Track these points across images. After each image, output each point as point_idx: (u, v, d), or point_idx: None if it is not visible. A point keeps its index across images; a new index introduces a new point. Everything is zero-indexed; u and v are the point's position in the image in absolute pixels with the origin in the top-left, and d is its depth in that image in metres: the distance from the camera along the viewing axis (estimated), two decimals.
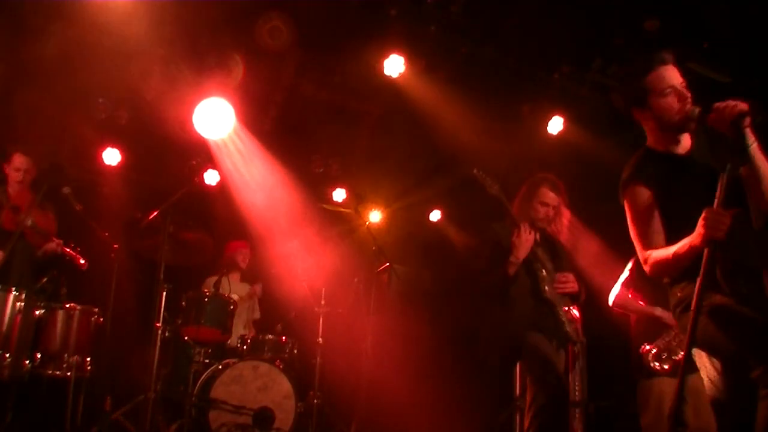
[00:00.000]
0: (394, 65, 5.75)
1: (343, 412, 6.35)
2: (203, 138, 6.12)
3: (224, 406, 5.26)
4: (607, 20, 5.35)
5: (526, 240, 4.08)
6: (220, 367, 5.54)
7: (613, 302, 4.88)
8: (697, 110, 2.63)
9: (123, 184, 6.91)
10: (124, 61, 5.63)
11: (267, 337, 6.05)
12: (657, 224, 2.73)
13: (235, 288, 6.41)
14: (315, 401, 6.13)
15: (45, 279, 5.27)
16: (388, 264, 7.04)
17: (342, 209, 8.11)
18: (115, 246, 5.60)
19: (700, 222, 2.44)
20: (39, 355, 4.91)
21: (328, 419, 6.20)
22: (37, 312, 4.97)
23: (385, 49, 5.72)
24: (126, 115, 6.49)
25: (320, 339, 6.47)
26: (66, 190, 5.30)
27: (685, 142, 2.83)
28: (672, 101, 2.70)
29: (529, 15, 5.36)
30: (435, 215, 8.51)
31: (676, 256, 2.59)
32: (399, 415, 6.76)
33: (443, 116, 6.12)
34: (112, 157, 6.76)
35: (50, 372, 4.94)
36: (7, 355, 4.66)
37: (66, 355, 4.99)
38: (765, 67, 5.59)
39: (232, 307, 5.89)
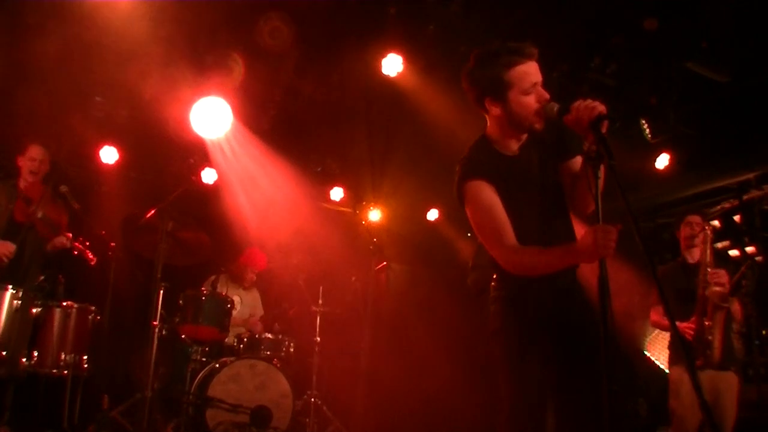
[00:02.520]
0: (393, 64, 5.75)
1: (341, 410, 6.36)
2: (201, 137, 6.11)
3: (221, 404, 5.26)
4: (606, 19, 5.35)
5: None
6: (218, 365, 5.54)
7: (651, 322, 5.03)
8: (555, 107, 2.52)
9: (121, 183, 6.91)
10: (123, 60, 5.62)
11: (264, 336, 6.06)
12: (505, 216, 2.60)
13: (234, 290, 6.43)
14: (312, 400, 6.14)
15: (42, 277, 5.27)
16: (385, 263, 7.05)
17: (340, 208, 8.12)
18: (113, 244, 5.60)
19: (589, 239, 2.33)
20: (36, 354, 4.91)
21: (325, 418, 6.21)
22: (34, 310, 4.97)
23: (384, 48, 5.72)
24: (124, 113, 6.49)
25: (317, 338, 6.48)
26: (63, 188, 5.29)
27: (523, 139, 2.73)
28: (532, 100, 2.58)
29: (528, 14, 5.36)
30: (432, 214, 8.51)
31: (549, 265, 2.53)
32: (397, 413, 6.77)
33: (442, 115, 6.11)
34: (109, 155, 6.75)
35: (47, 370, 4.94)
36: (4, 353, 4.67)
37: (63, 354, 5.00)
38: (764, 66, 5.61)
39: (229, 306, 5.90)
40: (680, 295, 4.74)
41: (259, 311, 6.85)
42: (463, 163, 2.71)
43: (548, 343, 2.60)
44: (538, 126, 2.61)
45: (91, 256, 5.36)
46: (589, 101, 2.44)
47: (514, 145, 2.72)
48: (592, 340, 2.30)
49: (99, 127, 6.54)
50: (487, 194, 2.62)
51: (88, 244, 5.39)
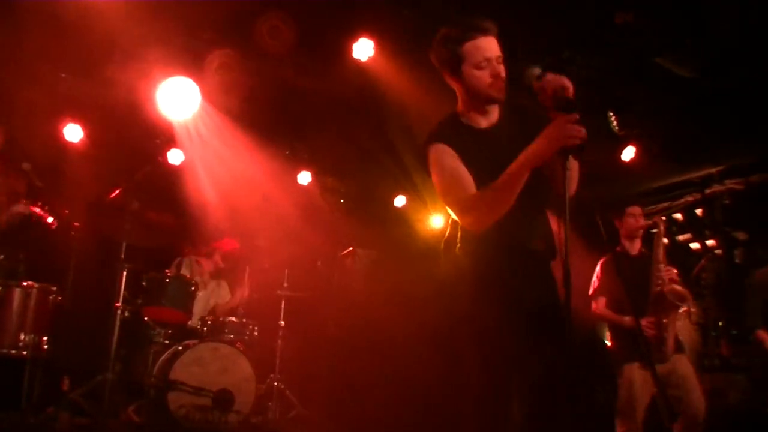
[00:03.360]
0: (364, 49, 5.71)
1: (304, 395, 6.36)
2: (168, 117, 6.03)
3: (184, 387, 5.23)
4: (578, 12, 5.38)
5: None
6: (180, 348, 5.50)
7: (594, 313, 5.03)
8: (537, 72, 2.50)
9: (85, 162, 6.79)
10: (88, 36, 5.51)
11: (228, 319, 6.03)
12: (470, 177, 2.59)
13: (199, 271, 6.38)
14: (275, 384, 6.14)
15: (2, 256, 5.17)
16: (351, 248, 7.05)
17: (309, 192, 8.09)
18: (76, 224, 5.52)
19: (547, 131, 2.36)
20: None
21: (288, 402, 6.21)
22: None
23: (356, 32, 5.68)
24: (89, 91, 6.37)
25: (282, 322, 6.47)
26: (26, 166, 5.20)
27: (493, 114, 2.74)
28: (485, 75, 2.58)
29: (502, 3, 5.37)
30: (400, 200, 8.52)
31: (511, 179, 2.45)
32: (362, 398, 6.80)
33: (413, 101, 6.11)
34: (73, 133, 6.62)
35: (5, 351, 4.88)
36: None
37: (22, 334, 4.94)
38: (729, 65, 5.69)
39: (193, 289, 5.86)
40: (627, 287, 4.79)
41: (226, 296, 6.76)
42: (430, 132, 2.73)
43: (517, 329, 2.58)
44: (495, 98, 2.62)
45: (50, 220, 5.24)
46: (561, 77, 2.45)
47: (482, 121, 2.73)
48: (559, 327, 2.32)
49: (63, 104, 6.41)
50: (450, 156, 2.62)
51: (47, 208, 5.27)
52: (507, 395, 2.58)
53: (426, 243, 8.12)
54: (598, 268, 4.99)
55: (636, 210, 5.00)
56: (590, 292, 4.99)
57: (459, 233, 2.75)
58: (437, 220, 8.28)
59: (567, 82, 2.43)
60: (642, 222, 4.93)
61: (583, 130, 2.33)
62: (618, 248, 5.02)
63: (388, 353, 7.02)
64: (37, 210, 5.21)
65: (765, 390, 4.78)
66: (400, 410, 6.59)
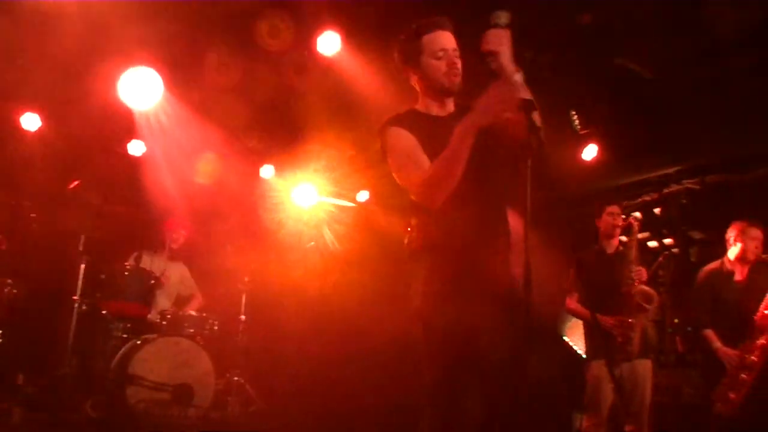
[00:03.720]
0: (330, 42, 5.69)
1: (264, 390, 6.34)
2: (129, 107, 5.94)
3: (142, 382, 5.18)
4: (542, 12, 5.42)
5: None
6: (139, 342, 5.44)
7: (567, 309, 5.12)
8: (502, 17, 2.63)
9: (43, 152, 6.65)
10: (47, 24, 5.40)
11: (188, 313, 5.97)
12: (423, 155, 2.65)
13: (160, 265, 6.30)
14: (235, 378, 6.11)
15: None
16: (314, 243, 7.04)
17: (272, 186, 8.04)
18: (33, 215, 5.42)
19: (482, 97, 2.46)
20: None
21: (248, 397, 6.18)
22: None
23: (321, 25, 5.66)
24: (48, 79, 6.23)
25: (243, 316, 6.44)
26: None
27: (449, 106, 2.86)
28: (441, 65, 2.75)
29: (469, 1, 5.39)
30: (362, 196, 8.52)
31: (457, 147, 2.48)
32: (322, 393, 6.79)
33: (378, 97, 6.10)
34: (31, 122, 6.48)
35: None
36: None
37: None
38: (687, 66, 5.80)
39: (153, 282, 5.79)
40: (599, 285, 4.89)
41: (189, 287, 6.68)
42: (385, 120, 2.82)
43: (469, 324, 2.60)
44: (450, 86, 2.76)
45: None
46: (497, 41, 2.55)
47: (438, 111, 2.84)
48: (513, 320, 2.41)
49: (21, 92, 6.27)
50: (406, 137, 2.70)
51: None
52: (459, 390, 2.60)
53: (389, 238, 8.13)
54: (574, 264, 5.07)
55: (615, 209, 5.09)
56: (566, 287, 5.10)
57: (417, 228, 2.79)
58: (400, 216, 8.28)
59: (498, 48, 2.53)
60: (620, 221, 5.01)
61: (518, 92, 2.45)
62: (596, 246, 5.11)
63: (350, 348, 7.02)
64: None
65: (712, 386, 4.90)
66: (360, 404, 6.61)
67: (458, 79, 2.77)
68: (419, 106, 2.87)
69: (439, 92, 2.81)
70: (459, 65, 2.77)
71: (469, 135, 2.50)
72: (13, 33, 5.46)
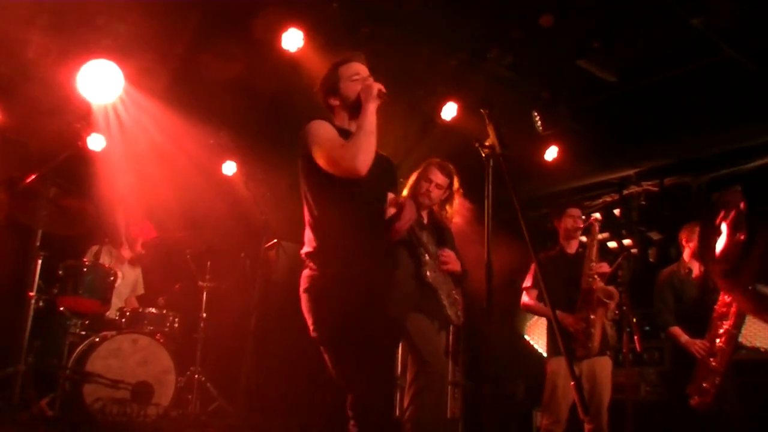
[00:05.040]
0: (293, 39, 5.66)
1: (225, 388, 6.29)
2: (89, 101, 5.84)
3: (100, 380, 5.10)
4: (505, 12, 5.47)
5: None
6: (98, 339, 5.36)
7: (522, 305, 5.20)
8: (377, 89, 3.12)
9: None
10: (6, 15, 5.29)
11: (148, 311, 5.90)
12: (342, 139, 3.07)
13: (119, 261, 6.22)
14: (196, 376, 6.05)
15: None
16: (276, 240, 7.00)
17: (232, 183, 7.97)
18: None
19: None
20: None
21: (209, 395, 6.13)
22: None
23: (285, 22, 5.63)
24: (4, 71, 6.11)
25: (204, 314, 6.38)
26: None
27: None
28: (356, 86, 3.20)
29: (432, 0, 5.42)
30: None
31: (366, 121, 2.99)
32: (282, 392, 6.76)
33: None
34: None
35: None
36: None
37: None
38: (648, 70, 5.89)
39: (112, 278, 5.71)
40: (560, 285, 4.97)
41: (140, 289, 6.64)
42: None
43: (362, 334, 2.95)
44: (363, 100, 3.11)
45: None
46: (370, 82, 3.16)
47: (351, 128, 3.17)
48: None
49: None
50: (330, 127, 3.13)
51: None
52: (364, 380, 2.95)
53: None
54: (534, 264, 5.13)
55: (576, 212, 5.18)
56: (523, 285, 5.15)
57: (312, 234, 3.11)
58: None
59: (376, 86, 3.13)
60: (580, 223, 5.09)
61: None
62: (557, 247, 5.19)
63: (310, 347, 6.99)
64: None
65: (673, 382, 5.01)
66: (320, 401, 6.60)
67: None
68: (336, 122, 3.25)
69: (355, 111, 3.16)
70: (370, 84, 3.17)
71: (372, 112, 3.03)
72: None
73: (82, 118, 6.27)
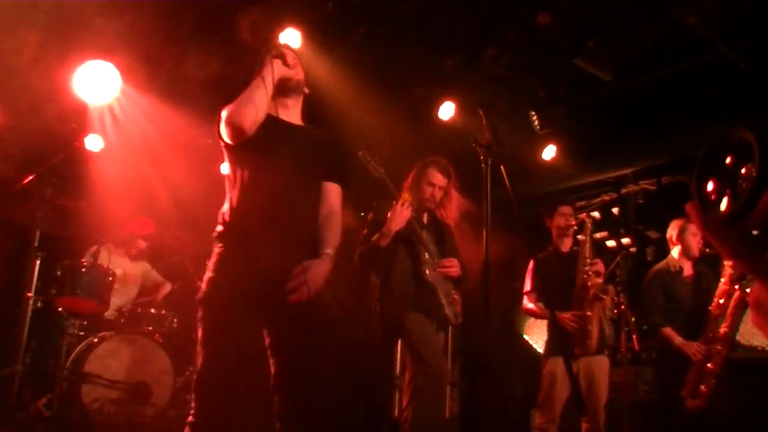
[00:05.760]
0: (290, 39, 5.66)
1: None
2: (86, 101, 5.84)
3: (98, 380, 5.10)
4: (501, 12, 5.48)
5: (400, 214, 4.11)
6: (96, 340, 5.36)
7: (524, 310, 5.21)
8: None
9: None
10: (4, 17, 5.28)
11: (146, 311, 5.90)
12: None
13: (118, 262, 6.20)
14: (195, 376, 6.04)
15: None
16: None
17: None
18: None
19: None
20: None
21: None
22: None
23: (281, 21, 5.63)
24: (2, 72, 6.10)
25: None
26: None
27: (295, 112, 3.11)
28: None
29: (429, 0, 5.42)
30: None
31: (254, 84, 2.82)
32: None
33: (335, 95, 6.09)
34: None
35: None
36: None
37: None
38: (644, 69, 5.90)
39: (110, 279, 5.70)
40: (556, 283, 4.97)
41: (156, 280, 6.62)
42: None
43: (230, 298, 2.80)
44: (293, 83, 3.00)
45: None
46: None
47: (283, 114, 3.00)
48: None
49: None
50: None
51: None
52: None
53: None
54: (530, 265, 5.12)
55: (567, 209, 5.17)
56: (524, 289, 5.14)
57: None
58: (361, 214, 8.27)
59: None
60: (572, 221, 5.09)
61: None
62: (550, 246, 5.18)
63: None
64: None
65: (667, 382, 5.00)
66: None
67: (297, 79, 3.02)
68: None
69: (283, 89, 2.98)
70: (298, 65, 3.03)
71: (266, 68, 2.84)
72: None
73: (78, 118, 6.26)
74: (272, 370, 2.84)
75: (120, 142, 6.50)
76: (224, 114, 2.85)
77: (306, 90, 3.15)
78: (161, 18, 5.49)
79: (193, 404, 2.78)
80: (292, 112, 3.08)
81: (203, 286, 2.86)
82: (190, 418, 2.70)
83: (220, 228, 2.87)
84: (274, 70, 2.83)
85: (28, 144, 6.50)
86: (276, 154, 2.84)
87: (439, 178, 4.36)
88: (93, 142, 6.54)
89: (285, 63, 2.90)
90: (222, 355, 2.79)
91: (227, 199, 2.89)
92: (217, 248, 2.87)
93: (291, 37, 5.64)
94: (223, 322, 2.81)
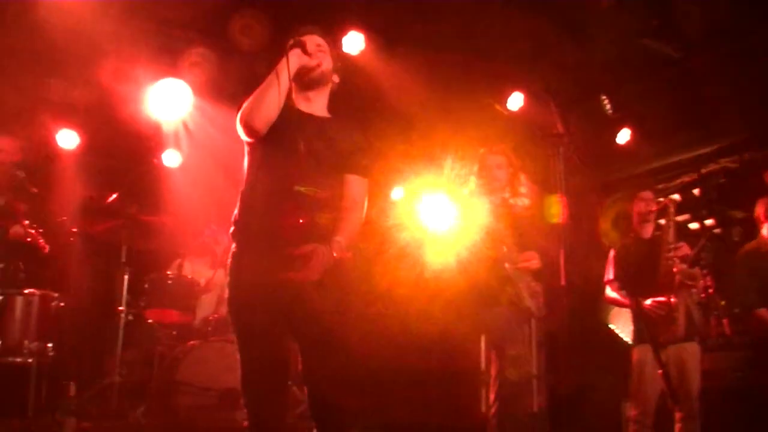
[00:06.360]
0: (354, 42, 5.70)
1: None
2: (160, 119, 6.03)
3: (190, 388, 5.23)
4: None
5: None
6: (185, 349, 5.51)
7: (606, 299, 5.06)
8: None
9: (80, 167, 6.77)
10: (78, 40, 5.49)
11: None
12: None
13: (203, 271, 6.36)
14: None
15: (2, 265, 5.17)
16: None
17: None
18: (74, 230, 5.52)
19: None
20: None
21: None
22: None
23: (346, 24, 5.67)
24: (81, 96, 6.35)
25: None
26: (20, 173, 5.21)
27: (318, 103, 3.01)
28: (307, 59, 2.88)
29: None
30: (398, 193, 8.48)
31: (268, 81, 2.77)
32: (365, 388, 6.79)
33: (402, 94, 6.10)
34: (68, 139, 6.60)
35: (11, 358, 4.88)
36: None
37: (26, 342, 4.94)
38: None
39: (196, 289, 5.86)
40: (639, 270, 4.81)
41: None
42: None
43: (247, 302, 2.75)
44: (316, 74, 2.92)
45: (42, 244, 5.25)
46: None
47: (304, 106, 2.96)
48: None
49: (56, 110, 6.40)
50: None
51: (41, 231, 5.27)
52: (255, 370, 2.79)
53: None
54: (611, 253, 5.00)
55: (647, 195, 4.98)
56: (605, 278, 5.03)
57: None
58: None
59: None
60: (653, 206, 4.91)
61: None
62: (631, 233, 5.02)
63: (391, 342, 7.00)
64: (33, 233, 5.20)
65: (758, 369, 4.80)
66: (405, 400, 6.59)
67: (320, 69, 2.93)
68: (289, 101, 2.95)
69: (303, 81, 2.92)
70: (321, 59, 2.93)
71: (281, 63, 2.77)
72: (40, 52, 5.57)
73: (155, 135, 6.46)
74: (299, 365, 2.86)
75: (195, 155, 6.67)
76: (239, 113, 2.84)
77: (336, 79, 3.08)
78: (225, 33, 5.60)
79: (245, 410, 2.85)
80: (314, 104, 3.00)
81: (227, 290, 2.86)
82: (245, 423, 2.75)
83: (232, 228, 2.89)
84: (291, 62, 2.77)
85: (109, 163, 6.76)
86: (290, 149, 2.79)
87: (491, 159, 4.34)
88: (170, 158, 6.75)
89: (304, 51, 2.84)
90: (257, 360, 2.78)
91: (239, 197, 2.91)
92: (232, 248, 2.87)
93: (355, 40, 5.68)
94: (247, 325, 2.79)
